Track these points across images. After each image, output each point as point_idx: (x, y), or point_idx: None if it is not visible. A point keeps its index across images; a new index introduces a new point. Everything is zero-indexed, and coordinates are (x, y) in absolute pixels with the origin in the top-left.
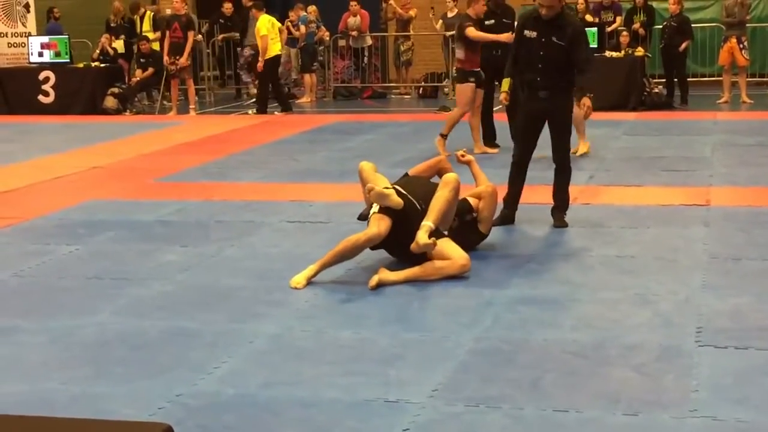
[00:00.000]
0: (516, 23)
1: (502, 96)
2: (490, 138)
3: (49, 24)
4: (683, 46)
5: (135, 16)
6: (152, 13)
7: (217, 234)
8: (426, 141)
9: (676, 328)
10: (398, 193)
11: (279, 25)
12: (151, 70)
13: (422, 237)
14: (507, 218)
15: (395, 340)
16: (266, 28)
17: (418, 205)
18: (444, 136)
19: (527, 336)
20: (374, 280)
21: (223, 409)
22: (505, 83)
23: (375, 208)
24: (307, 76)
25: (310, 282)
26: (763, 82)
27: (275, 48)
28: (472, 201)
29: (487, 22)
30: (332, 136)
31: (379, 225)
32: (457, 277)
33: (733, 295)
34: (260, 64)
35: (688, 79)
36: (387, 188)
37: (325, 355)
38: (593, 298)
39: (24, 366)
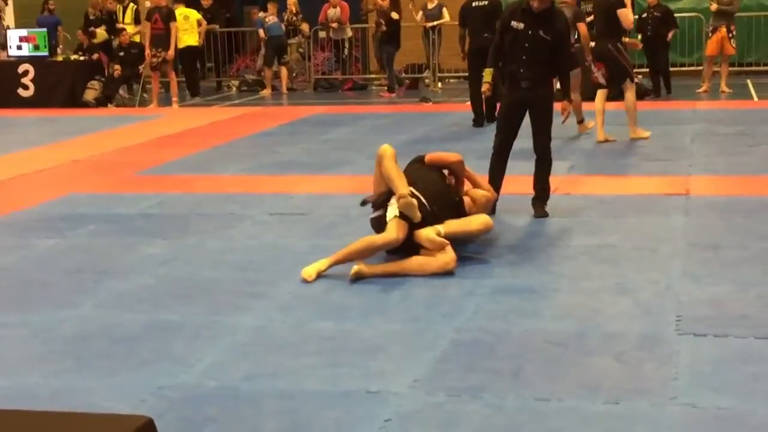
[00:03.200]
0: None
1: (485, 87)
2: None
3: (41, 15)
4: (670, 35)
5: (118, 6)
6: (135, 6)
7: (199, 227)
8: (406, 132)
9: (655, 316)
10: (414, 196)
11: (198, 17)
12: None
13: (431, 233)
14: None
15: (377, 331)
16: (179, 20)
17: (429, 209)
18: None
19: (508, 326)
20: (354, 270)
21: (205, 401)
22: (488, 74)
23: (393, 211)
24: (267, 71)
25: (320, 276)
26: (742, 71)
27: (186, 39)
28: (466, 199)
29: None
30: (313, 128)
31: (399, 231)
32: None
33: (713, 284)
34: (170, 52)
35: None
36: (409, 195)
37: (306, 346)
38: (574, 287)
39: (5, 360)
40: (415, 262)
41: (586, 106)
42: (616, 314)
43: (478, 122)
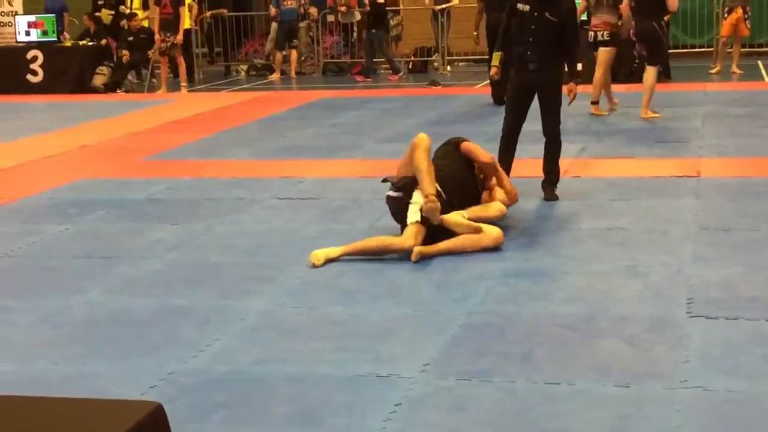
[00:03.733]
0: None
1: (493, 70)
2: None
3: (48, 1)
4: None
5: None
6: None
7: (207, 211)
8: (415, 116)
9: (666, 299)
10: (437, 193)
11: (189, 1)
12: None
13: (458, 218)
14: None
15: (387, 315)
16: None
17: (448, 201)
18: (595, 103)
19: (518, 309)
20: (416, 252)
21: (215, 386)
22: (495, 57)
23: (415, 213)
24: (278, 54)
25: (327, 262)
26: (753, 52)
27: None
28: (485, 194)
29: None
30: (322, 112)
31: (416, 238)
32: (491, 248)
33: (724, 266)
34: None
35: (678, 50)
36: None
37: (316, 331)
38: (584, 270)
39: (15, 346)
40: (469, 238)
41: (622, 87)
42: (626, 297)
43: (497, 100)
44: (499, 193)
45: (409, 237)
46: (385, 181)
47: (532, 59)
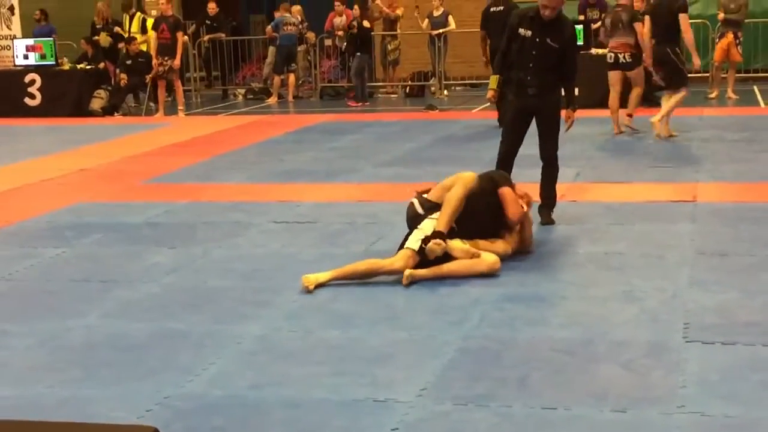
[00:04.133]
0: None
1: (490, 93)
2: None
3: (37, 26)
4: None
5: (125, 15)
6: (142, 15)
7: (205, 235)
8: (413, 140)
9: (663, 324)
10: (450, 230)
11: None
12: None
13: (461, 244)
14: None
15: (384, 340)
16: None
17: (458, 235)
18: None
19: (515, 334)
20: (406, 275)
21: (211, 410)
22: (493, 80)
23: (415, 243)
24: (276, 78)
25: (317, 287)
26: (749, 77)
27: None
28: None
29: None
30: (319, 136)
31: (408, 262)
32: (486, 275)
33: (720, 291)
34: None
35: None
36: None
37: (313, 355)
38: (581, 295)
39: (11, 369)
40: (465, 264)
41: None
42: (623, 322)
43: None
44: (513, 239)
45: (399, 259)
46: (417, 192)
47: (532, 84)
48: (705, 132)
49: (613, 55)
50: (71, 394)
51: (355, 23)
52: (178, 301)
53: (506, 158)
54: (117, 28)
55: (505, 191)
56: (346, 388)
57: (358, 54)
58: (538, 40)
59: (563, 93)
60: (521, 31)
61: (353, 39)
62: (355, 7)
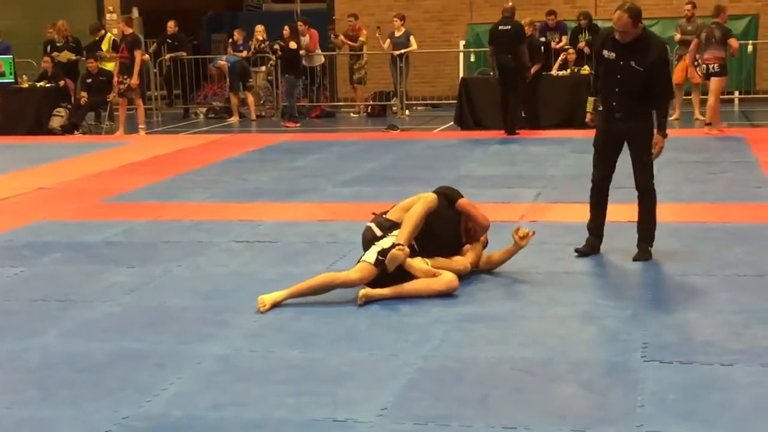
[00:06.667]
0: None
1: (588, 117)
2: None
3: None
4: None
5: (95, 37)
6: (112, 36)
7: (165, 254)
8: (374, 160)
9: (622, 343)
10: (411, 247)
11: None
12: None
13: (422, 264)
14: (594, 246)
15: (344, 359)
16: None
17: (418, 254)
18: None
19: (475, 353)
20: (361, 294)
21: (170, 431)
22: (589, 103)
23: (372, 256)
24: (233, 97)
25: (273, 306)
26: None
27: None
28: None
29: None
30: (281, 155)
31: (363, 274)
32: (444, 294)
33: (679, 311)
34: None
35: None
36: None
37: (273, 375)
38: (541, 314)
39: None
40: (422, 282)
41: None
42: (583, 341)
43: (508, 130)
44: (473, 253)
45: (354, 271)
46: (374, 214)
47: (618, 108)
48: (665, 153)
49: (705, 66)
50: (29, 415)
51: (277, 46)
52: (138, 320)
53: (600, 185)
54: (99, 53)
55: (464, 203)
56: (306, 407)
57: (287, 75)
58: (621, 63)
59: (657, 126)
60: (605, 53)
61: (283, 62)
62: (286, 28)
